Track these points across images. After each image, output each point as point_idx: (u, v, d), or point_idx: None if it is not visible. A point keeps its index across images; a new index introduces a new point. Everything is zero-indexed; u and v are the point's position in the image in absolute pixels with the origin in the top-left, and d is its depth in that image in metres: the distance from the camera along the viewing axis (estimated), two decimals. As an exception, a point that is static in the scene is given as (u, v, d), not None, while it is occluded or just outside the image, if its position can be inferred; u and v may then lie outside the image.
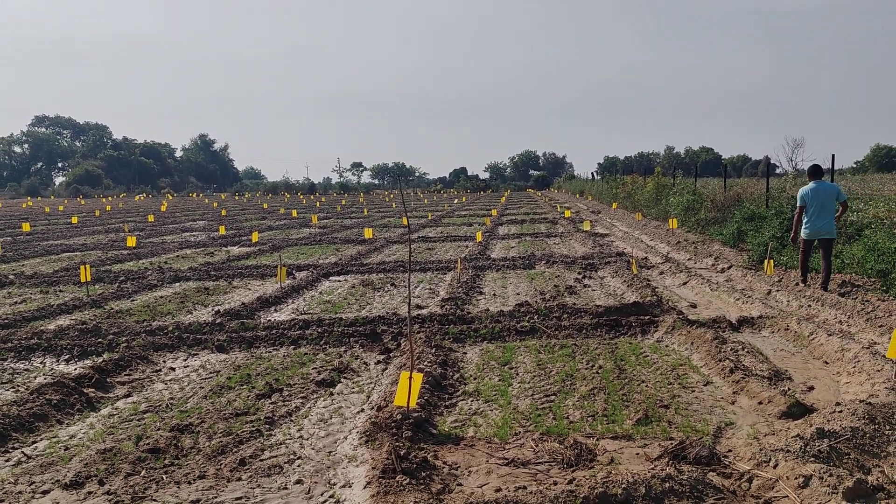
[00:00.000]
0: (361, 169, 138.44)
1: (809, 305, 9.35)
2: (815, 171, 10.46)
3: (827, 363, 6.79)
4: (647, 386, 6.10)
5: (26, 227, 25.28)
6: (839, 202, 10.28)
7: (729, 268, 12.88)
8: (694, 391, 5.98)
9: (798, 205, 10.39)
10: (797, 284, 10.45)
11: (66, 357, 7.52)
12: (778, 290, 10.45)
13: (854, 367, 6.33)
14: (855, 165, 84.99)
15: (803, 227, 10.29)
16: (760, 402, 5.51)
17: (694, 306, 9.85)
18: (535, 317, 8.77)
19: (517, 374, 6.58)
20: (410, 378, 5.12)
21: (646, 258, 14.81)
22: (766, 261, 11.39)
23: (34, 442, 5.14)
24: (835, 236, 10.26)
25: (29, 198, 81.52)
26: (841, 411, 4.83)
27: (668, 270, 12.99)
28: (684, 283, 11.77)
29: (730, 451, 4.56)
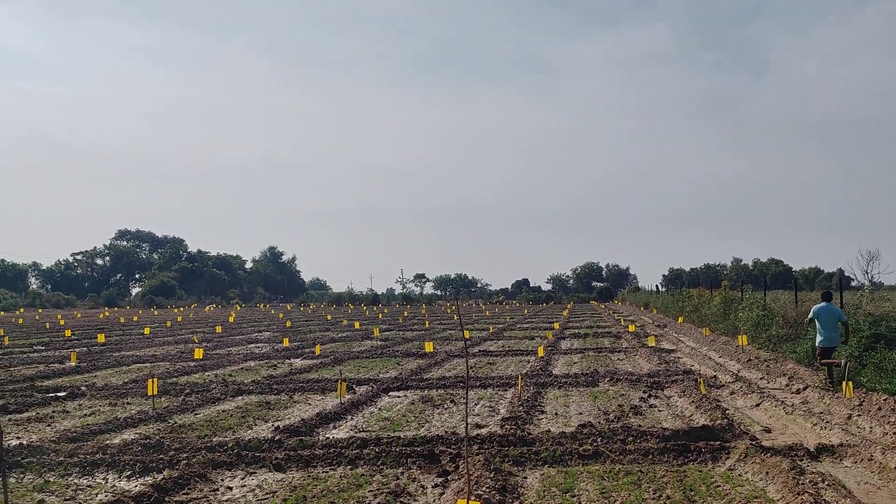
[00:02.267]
0: (424, 280, 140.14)
1: (895, 433, 8.76)
2: (826, 296, 13.40)
3: (918, 499, 6.28)
4: (719, 521, 5.73)
5: (101, 337, 26.26)
6: (841, 322, 12.77)
7: (804, 389, 12.27)
8: (771, 528, 5.58)
9: (808, 318, 13.57)
10: (879, 409, 9.85)
11: (129, 473, 7.59)
12: (859, 415, 9.86)
13: (949, 505, 5.82)
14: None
15: (818, 339, 12.98)
16: (845, 544, 5.09)
17: (768, 431, 9.35)
18: (599, 439, 8.46)
19: (580, 503, 6.29)
20: (467, 507, 4.96)
21: (714, 377, 14.28)
22: (844, 382, 10.82)
23: (90, 564, 5.12)
24: (837, 345, 12.86)
25: (106, 308, 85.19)
26: (937, 558, 4.42)
27: (739, 390, 12.46)
28: (757, 405, 11.24)
29: None
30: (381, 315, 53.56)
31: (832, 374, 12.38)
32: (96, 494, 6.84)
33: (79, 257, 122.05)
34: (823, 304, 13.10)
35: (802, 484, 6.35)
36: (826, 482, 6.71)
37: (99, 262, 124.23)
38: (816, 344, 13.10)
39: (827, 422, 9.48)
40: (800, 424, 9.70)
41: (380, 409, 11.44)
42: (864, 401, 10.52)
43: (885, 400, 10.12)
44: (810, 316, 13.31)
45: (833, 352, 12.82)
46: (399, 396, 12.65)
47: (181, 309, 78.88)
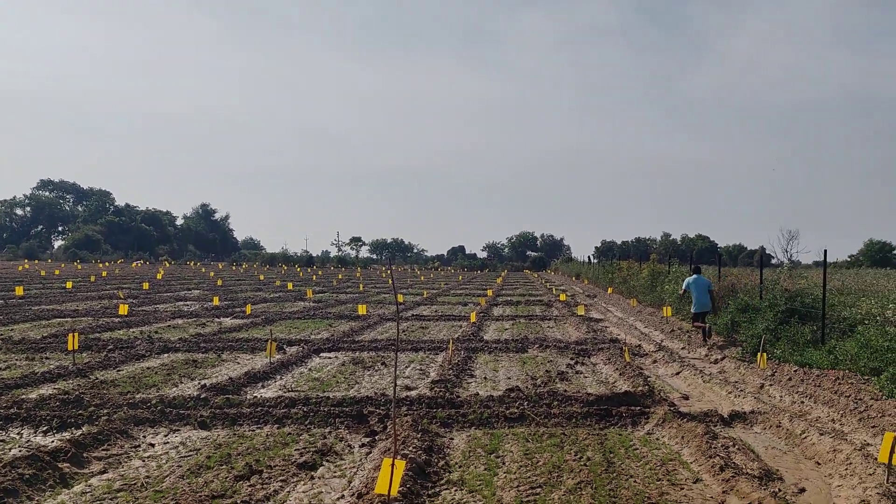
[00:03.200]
0: (360, 244, 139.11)
1: (802, 402, 9.26)
2: (696, 269, 16.29)
3: (819, 464, 6.67)
4: (635, 481, 5.97)
5: (19, 290, 25.20)
6: (709, 290, 15.25)
7: (722, 359, 12.80)
8: (683, 489, 5.84)
9: (682, 290, 15.99)
10: (789, 379, 10.38)
11: (45, 428, 7.37)
12: (771, 385, 10.37)
13: (846, 469, 6.21)
14: (849, 259, 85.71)
15: (693, 306, 15.26)
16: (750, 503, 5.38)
17: (686, 398, 9.74)
18: (525, 403, 8.65)
19: (503, 464, 6.44)
20: (393, 465, 5.01)
21: (639, 346, 14.74)
22: (759, 353, 11.34)
23: (1, 519, 4.97)
24: (709, 310, 15.19)
25: (26, 260, 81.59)
26: (832, 517, 4.71)
27: (662, 359, 12.91)
28: (677, 374, 11.68)
29: (718, 555, 4.42)
30: (315, 277, 53.07)
31: (705, 334, 14.65)
32: (10, 449, 6.62)
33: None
34: (694, 276, 15.50)
35: (714, 448, 6.65)
36: (736, 446, 7.05)
37: (19, 212, 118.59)
38: (691, 310, 15.43)
39: (741, 390, 9.93)
40: (716, 392, 10.14)
41: (310, 369, 11.39)
42: (776, 371, 11.06)
43: (795, 371, 10.66)
44: (684, 287, 15.69)
45: (705, 316, 15.14)
46: (330, 358, 12.62)
47: (107, 264, 76.25)
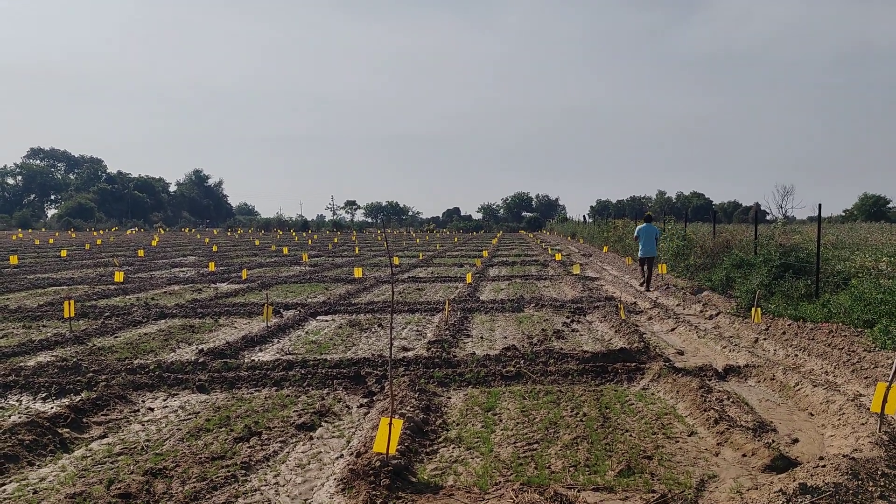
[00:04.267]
0: (355, 207, 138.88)
1: (796, 355, 9.34)
2: (647, 218, 18.12)
3: (812, 415, 6.75)
4: (630, 435, 6.03)
5: (14, 259, 25.12)
6: (656, 237, 17.36)
7: (717, 315, 12.88)
8: (678, 442, 5.91)
9: (634, 235, 17.94)
10: (783, 333, 10.46)
11: (44, 395, 7.40)
12: (765, 339, 10.44)
13: (839, 419, 6.28)
14: (844, 213, 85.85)
15: (640, 251, 17.37)
16: (744, 455, 5.45)
17: (681, 353, 9.82)
18: (522, 362, 8.71)
19: (500, 421, 6.50)
20: (391, 424, 5.05)
21: (634, 303, 14.81)
22: (753, 308, 11.40)
23: (3, 485, 5.01)
24: (655, 255, 17.39)
25: (20, 230, 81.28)
26: (824, 466, 4.78)
27: (657, 316, 12.98)
28: (672, 330, 11.75)
29: (712, 505, 4.49)
30: (310, 241, 53.00)
31: (648, 279, 17.33)
32: (9, 416, 6.65)
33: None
34: (644, 224, 17.60)
35: (709, 401, 6.72)
36: (731, 399, 7.12)
37: (10, 181, 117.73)
38: (639, 255, 17.70)
39: (735, 345, 10.01)
40: (710, 347, 10.22)
41: (307, 332, 11.43)
42: (770, 326, 11.13)
43: (789, 325, 10.74)
44: (636, 234, 17.90)
45: (652, 260, 17.46)
46: (327, 320, 12.65)
47: (101, 232, 76.02)
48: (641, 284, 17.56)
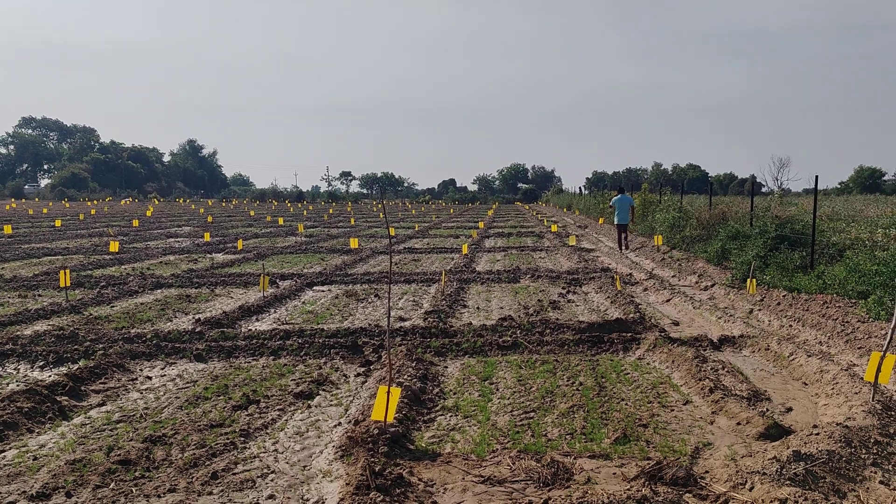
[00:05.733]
0: (350, 178, 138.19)
1: (790, 325, 9.40)
2: (621, 189, 20.95)
3: (806, 384, 6.81)
4: (626, 404, 6.09)
5: (8, 229, 25.01)
6: (632, 206, 20.08)
7: (712, 286, 12.93)
8: (673, 410, 5.96)
9: (609, 205, 22.16)
10: (778, 304, 10.51)
11: (41, 364, 7.41)
12: (760, 310, 10.50)
13: (832, 388, 6.34)
14: (839, 186, 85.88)
15: (615, 219, 20.21)
16: (739, 423, 5.50)
17: (676, 324, 9.87)
18: (518, 332, 8.75)
19: (497, 390, 6.54)
20: (388, 392, 5.07)
21: (630, 274, 14.85)
22: (748, 280, 11.44)
23: (2, 451, 5.03)
24: (628, 222, 20.15)
25: (13, 199, 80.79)
26: (818, 434, 4.83)
27: (652, 287, 13.03)
28: (667, 301, 11.80)
29: (707, 472, 4.55)
30: (305, 212, 52.86)
31: (621, 242, 20.14)
32: (7, 384, 6.66)
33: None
34: (619, 196, 20.22)
35: (704, 371, 6.77)
36: (726, 369, 7.18)
37: (2, 150, 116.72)
38: (614, 222, 20.53)
39: (730, 315, 10.06)
40: (706, 318, 10.27)
41: (303, 302, 11.44)
42: (765, 297, 11.19)
43: (783, 296, 10.79)
44: (611, 203, 20.93)
45: (625, 227, 20.19)
46: (323, 291, 12.67)
47: (95, 202, 75.62)
48: (620, 250, 19.98)
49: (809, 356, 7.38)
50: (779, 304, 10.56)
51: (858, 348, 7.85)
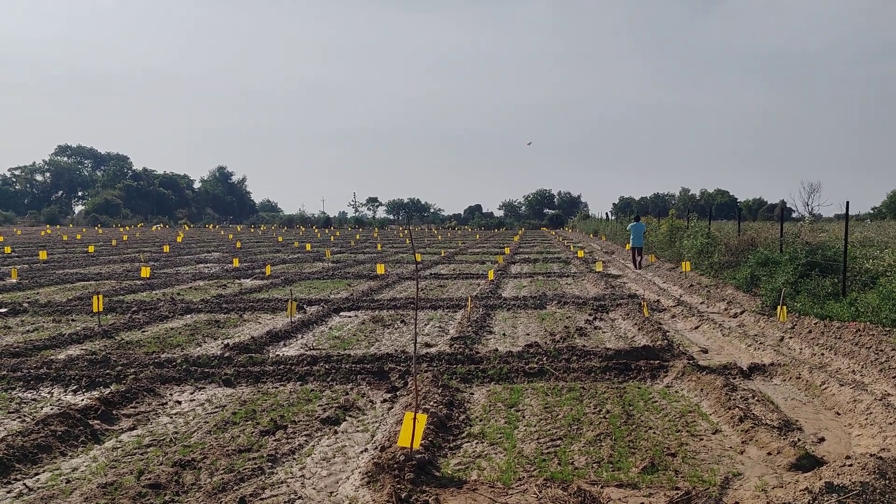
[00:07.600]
0: (377, 204, 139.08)
1: (822, 354, 9.24)
2: (637, 217, 25.28)
3: (839, 414, 6.69)
4: (654, 433, 6.02)
5: (43, 255, 25.57)
6: (644, 232, 23.90)
7: (742, 313, 12.77)
8: (702, 439, 5.89)
9: (627, 229, 26.04)
10: (809, 331, 10.35)
11: (74, 388, 7.55)
12: (791, 338, 10.34)
13: (866, 418, 6.22)
14: (872, 211, 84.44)
15: (630, 241, 24.07)
16: (769, 453, 5.42)
17: (705, 351, 9.76)
18: (544, 358, 8.72)
19: (524, 417, 6.52)
20: (415, 419, 5.09)
21: (658, 301, 14.73)
22: (779, 307, 11.29)
23: (36, 474, 5.13)
24: (641, 245, 24.03)
25: (48, 226, 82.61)
26: (851, 465, 4.74)
27: (680, 314, 12.91)
28: (696, 328, 11.68)
29: (736, 503, 4.48)
30: (333, 238, 53.29)
31: (635, 261, 23.68)
32: (41, 408, 6.80)
33: (17, 172, 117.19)
34: (635, 223, 24.15)
35: (734, 399, 6.68)
36: (756, 398, 7.08)
37: (39, 178, 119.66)
38: (630, 245, 24.34)
39: (760, 343, 9.93)
40: (735, 346, 10.14)
41: (330, 328, 11.52)
42: (796, 324, 11.02)
43: (815, 323, 10.62)
44: (628, 228, 25.06)
45: (640, 249, 23.88)
46: (350, 316, 12.74)
47: (127, 228, 77.05)
48: (637, 269, 22.89)
49: (842, 385, 7.25)
50: (810, 331, 10.40)
51: (893, 377, 7.69)
